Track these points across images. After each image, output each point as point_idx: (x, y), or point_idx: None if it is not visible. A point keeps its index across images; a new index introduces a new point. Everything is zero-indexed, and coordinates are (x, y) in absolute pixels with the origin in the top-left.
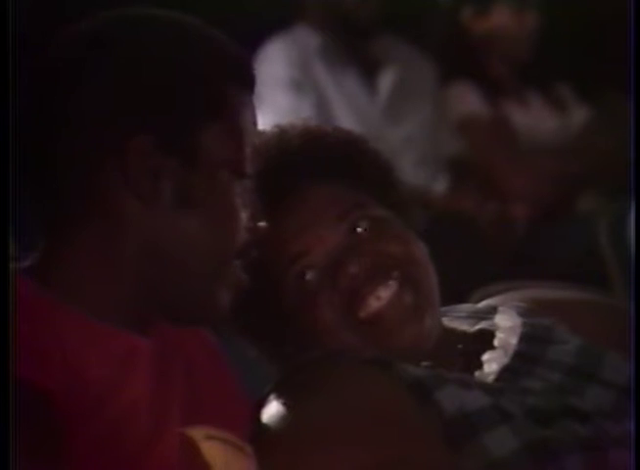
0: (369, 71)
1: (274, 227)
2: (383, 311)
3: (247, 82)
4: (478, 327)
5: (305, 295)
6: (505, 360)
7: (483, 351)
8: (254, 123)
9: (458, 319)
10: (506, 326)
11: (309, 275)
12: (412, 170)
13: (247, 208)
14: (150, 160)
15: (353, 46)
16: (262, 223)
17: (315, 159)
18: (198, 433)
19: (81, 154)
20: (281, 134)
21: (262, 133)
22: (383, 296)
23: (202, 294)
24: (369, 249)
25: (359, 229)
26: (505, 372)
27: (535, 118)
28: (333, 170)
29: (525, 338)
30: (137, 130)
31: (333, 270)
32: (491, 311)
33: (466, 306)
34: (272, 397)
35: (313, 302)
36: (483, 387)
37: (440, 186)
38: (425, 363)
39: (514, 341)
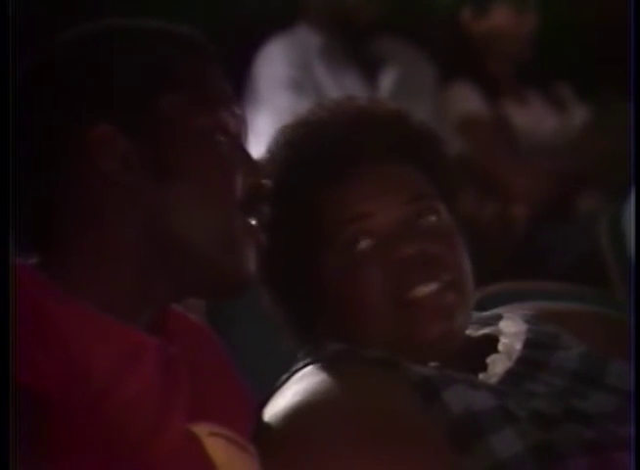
0: (369, 72)
1: (343, 189)
2: (425, 299)
3: (199, 52)
4: (482, 332)
5: (352, 261)
6: (509, 364)
7: (487, 355)
8: (225, 87)
9: None
10: (510, 332)
11: (363, 242)
12: None
13: (243, 165)
14: (113, 145)
15: (354, 46)
16: (266, 181)
17: (404, 138)
18: (201, 429)
19: (55, 152)
20: (379, 106)
21: (360, 99)
22: (430, 285)
23: (221, 261)
24: (431, 240)
25: (432, 218)
26: (509, 375)
27: (535, 118)
28: (416, 156)
29: (530, 343)
30: (94, 120)
31: (391, 243)
32: (497, 318)
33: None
34: (276, 396)
35: (359, 271)
36: (490, 388)
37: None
38: (432, 364)
39: (518, 346)
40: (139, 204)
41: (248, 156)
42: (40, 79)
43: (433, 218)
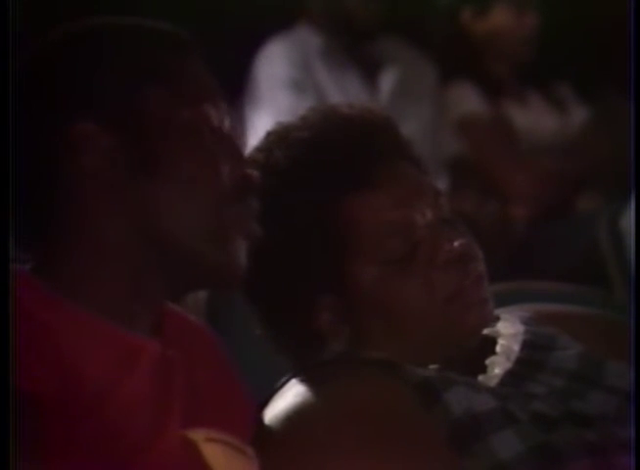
0: (370, 72)
1: (369, 195)
2: (468, 289)
3: (181, 48)
4: None
5: (395, 270)
6: (508, 365)
7: (485, 356)
8: (208, 81)
9: None
10: (508, 333)
11: (406, 249)
12: None
13: (229, 156)
14: (96, 142)
15: (354, 46)
16: (253, 171)
17: (400, 140)
18: (199, 435)
19: (41, 152)
20: (366, 110)
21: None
22: (470, 278)
23: (211, 254)
24: (460, 234)
25: (449, 213)
26: (508, 377)
27: (535, 118)
28: (410, 157)
29: (528, 344)
30: (77, 118)
31: (433, 245)
32: (494, 320)
33: None
34: (274, 399)
35: (406, 278)
36: (490, 390)
37: (440, 186)
38: (433, 366)
39: (516, 347)
40: (125, 201)
41: (234, 147)
42: (23, 78)
43: (453, 217)
